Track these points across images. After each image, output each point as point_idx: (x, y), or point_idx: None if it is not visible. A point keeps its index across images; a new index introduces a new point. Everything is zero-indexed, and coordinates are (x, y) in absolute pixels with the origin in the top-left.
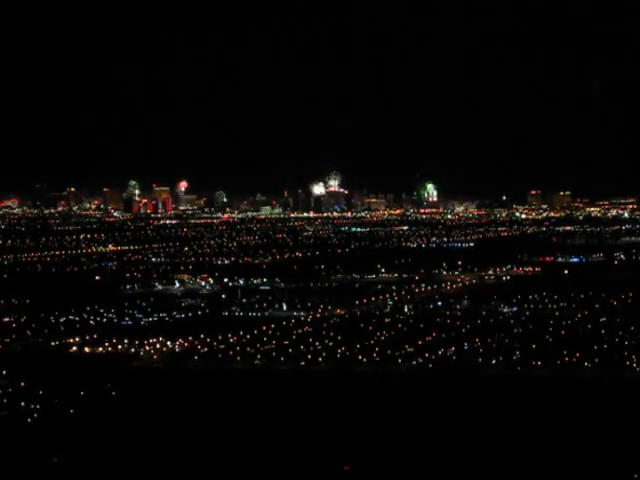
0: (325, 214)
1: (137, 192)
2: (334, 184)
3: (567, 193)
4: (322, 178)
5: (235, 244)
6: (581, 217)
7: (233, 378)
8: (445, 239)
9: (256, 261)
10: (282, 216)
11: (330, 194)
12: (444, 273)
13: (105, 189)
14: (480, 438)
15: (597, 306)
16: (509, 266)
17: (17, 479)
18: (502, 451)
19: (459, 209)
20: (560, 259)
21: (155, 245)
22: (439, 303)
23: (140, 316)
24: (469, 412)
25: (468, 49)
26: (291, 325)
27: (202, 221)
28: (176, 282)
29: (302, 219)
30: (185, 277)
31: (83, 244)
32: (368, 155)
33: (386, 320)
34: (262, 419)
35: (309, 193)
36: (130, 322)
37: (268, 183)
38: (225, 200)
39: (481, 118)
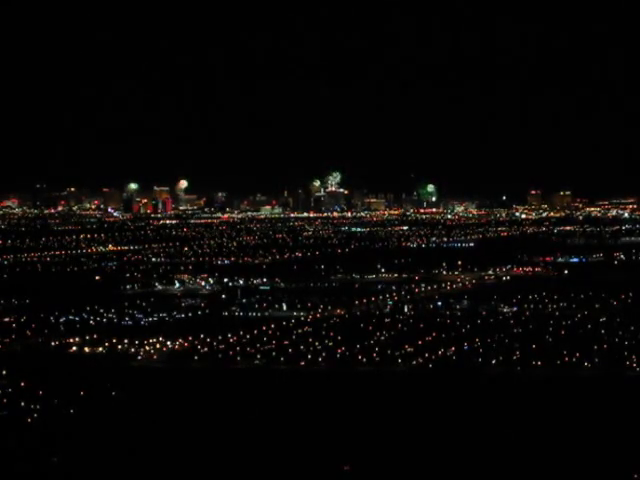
0: (325, 214)
1: (136, 190)
2: (334, 184)
3: (567, 193)
4: (322, 178)
5: (235, 244)
6: (581, 217)
7: (233, 378)
8: (445, 239)
9: (256, 261)
10: (282, 216)
11: (330, 194)
12: (444, 273)
13: (105, 189)
14: (480, 438)
15: (597, 306)
16: (509, 266)
17: (17, 479)
18: (502, 451)
19: (459, 209)
20: (560, 259)
21: (155, 245)
22: (439, 303)
23: (140, 316)
24: (469, 412)
25: (467, 50)
26: (291, 325)
27: (202, 221)
28: (176, 282)
29: (302, 219)
30: (185, 277)
31: (83, 244)
32: (368, 155)
33: (386, 320)
34: (262, 419)
35: (309, 193)
36: (130, 322)
37: (268, 183)
38: (225, 200)
39: (481, 118)
